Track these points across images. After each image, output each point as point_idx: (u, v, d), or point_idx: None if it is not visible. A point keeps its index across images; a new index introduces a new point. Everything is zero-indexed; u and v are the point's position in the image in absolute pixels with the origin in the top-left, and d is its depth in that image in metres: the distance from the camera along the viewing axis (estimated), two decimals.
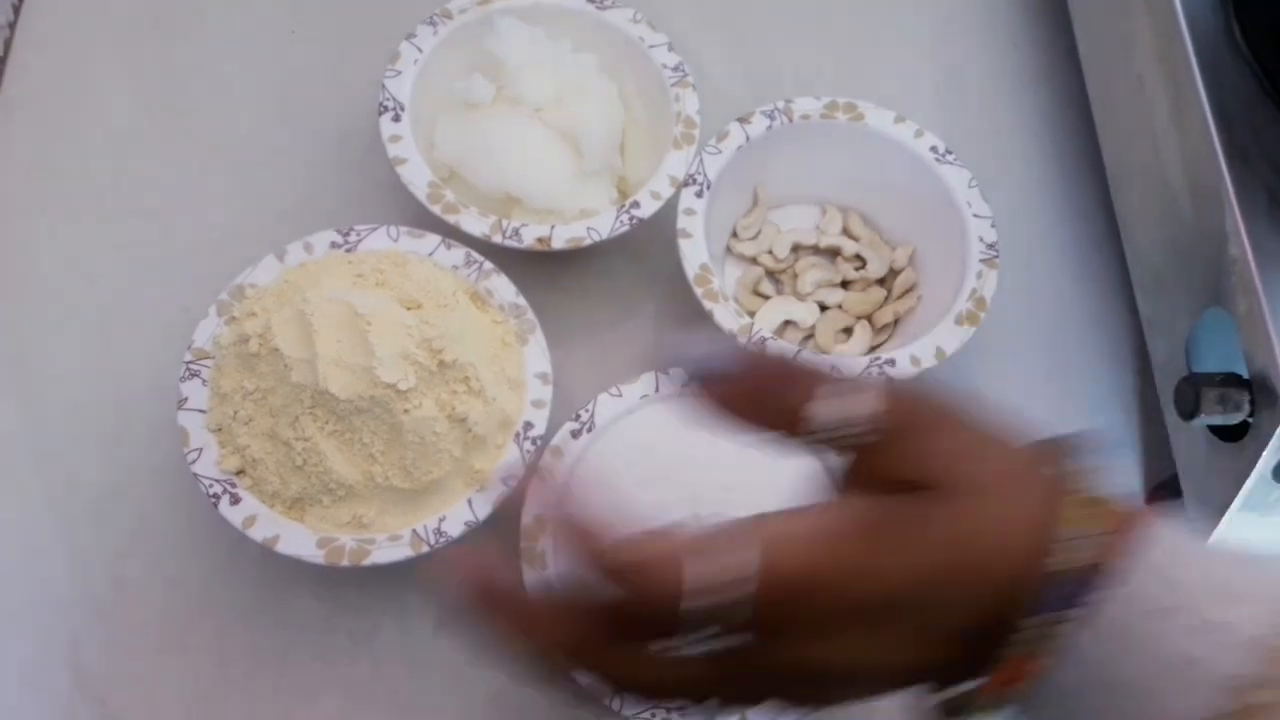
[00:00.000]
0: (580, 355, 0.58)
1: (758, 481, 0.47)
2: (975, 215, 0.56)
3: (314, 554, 0.46)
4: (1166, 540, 0.28)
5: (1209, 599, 0.27)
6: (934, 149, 0.57)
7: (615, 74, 0.60)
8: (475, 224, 0.53)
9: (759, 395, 0.32)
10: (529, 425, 0.49)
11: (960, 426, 0.32)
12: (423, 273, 0.50)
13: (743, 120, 0.58)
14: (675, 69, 0.58)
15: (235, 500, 0.47)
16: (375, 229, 0.52)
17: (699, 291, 0.53)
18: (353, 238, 0.52)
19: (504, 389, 0.49)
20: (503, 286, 0.52)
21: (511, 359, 0.50)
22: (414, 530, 0.46)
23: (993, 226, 0.55)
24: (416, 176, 0.54)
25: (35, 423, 0.54)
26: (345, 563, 0.46)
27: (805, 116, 0.58)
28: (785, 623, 0.29)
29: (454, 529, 0.47)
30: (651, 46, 0.59)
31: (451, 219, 0.53)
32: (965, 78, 0.69)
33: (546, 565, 0.47)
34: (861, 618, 0.29)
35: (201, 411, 0.48)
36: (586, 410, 0.50)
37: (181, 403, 0.48)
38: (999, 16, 0.71)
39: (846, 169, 0.60)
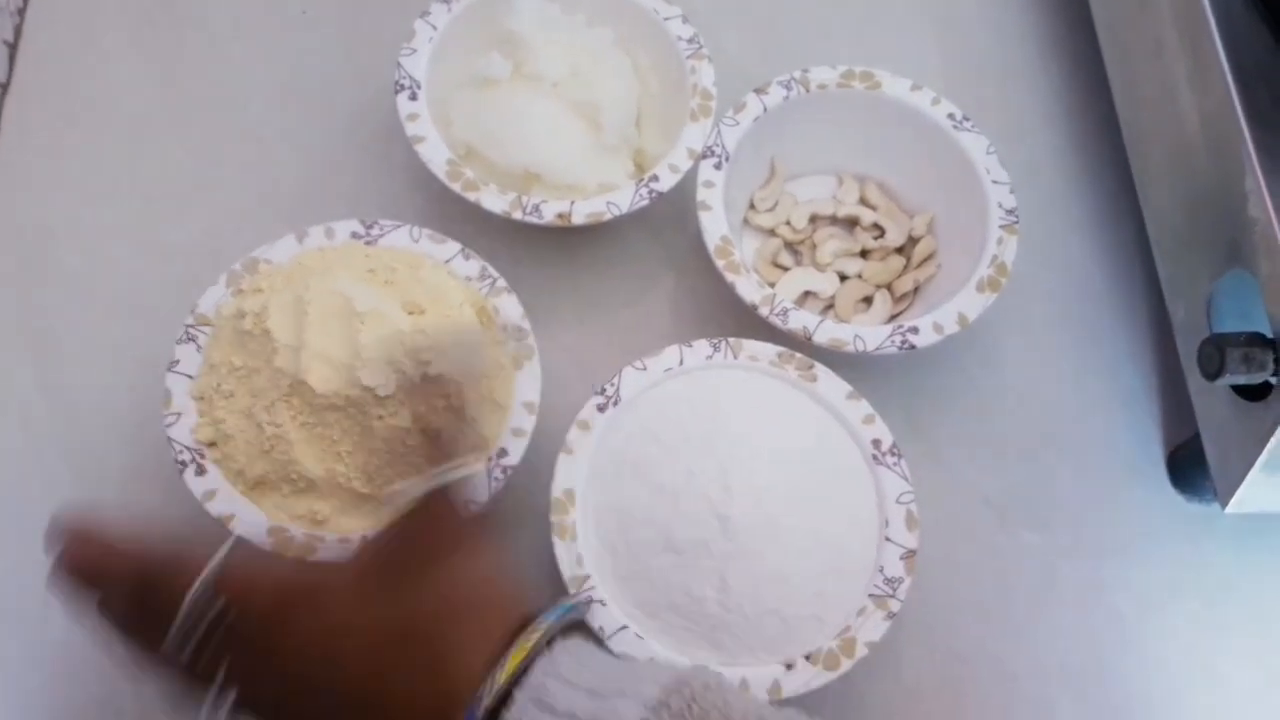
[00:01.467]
0: (601, 330, 0.58)
1: (786, 451, 0.48)
2: (994, 181, 0.56)
3: (263, 540, 0.46)
4: (544, 673, 0.34)
5: (596, 698, 0.33)
6: (951, 116, 0.57)
7: (630, 47, 0.60)
8: (495, 201, 0.53)
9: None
10: (503, 452, 0.48)
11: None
12: (435, 279, 0.50)
13: (759, 91, 0.57)
14: (690, 41, 0.58)
15: (201, 471, 0.47)
16: (399, 227, 0.52)
17: (720, 264, 0.53)
18: (375, 231, 0.52)
19: (486, 411, 0.48)
20: (510, 306, 0.51)
21: (503, 382, 0.49)
22: (364, 536, 0.45)
23: (1011, 192, 0.55)
24: (435, 155, 0.54)
25: (58, 406, 0.55)
26: (291, 555, 0.45)
27: (822, 86, 0.58)
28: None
29: None
30: (666, 19, 0.59)
31: (471, 196, 0.53)
32: (979, 44, 0.69)
33: (576, 537, 0.47)
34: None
35: (190, 377, 0.48)
36: (612, 384, 0.50)
37: (172, 364, 0.48)
38: None
39: (863, 138, 0.60)
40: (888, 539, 0.48)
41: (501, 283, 0.52)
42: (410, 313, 0.47)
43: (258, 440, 0.46)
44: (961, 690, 0.52)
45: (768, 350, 0.51)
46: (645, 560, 0.46)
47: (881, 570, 0.47)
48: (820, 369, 0.51)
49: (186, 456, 0.47)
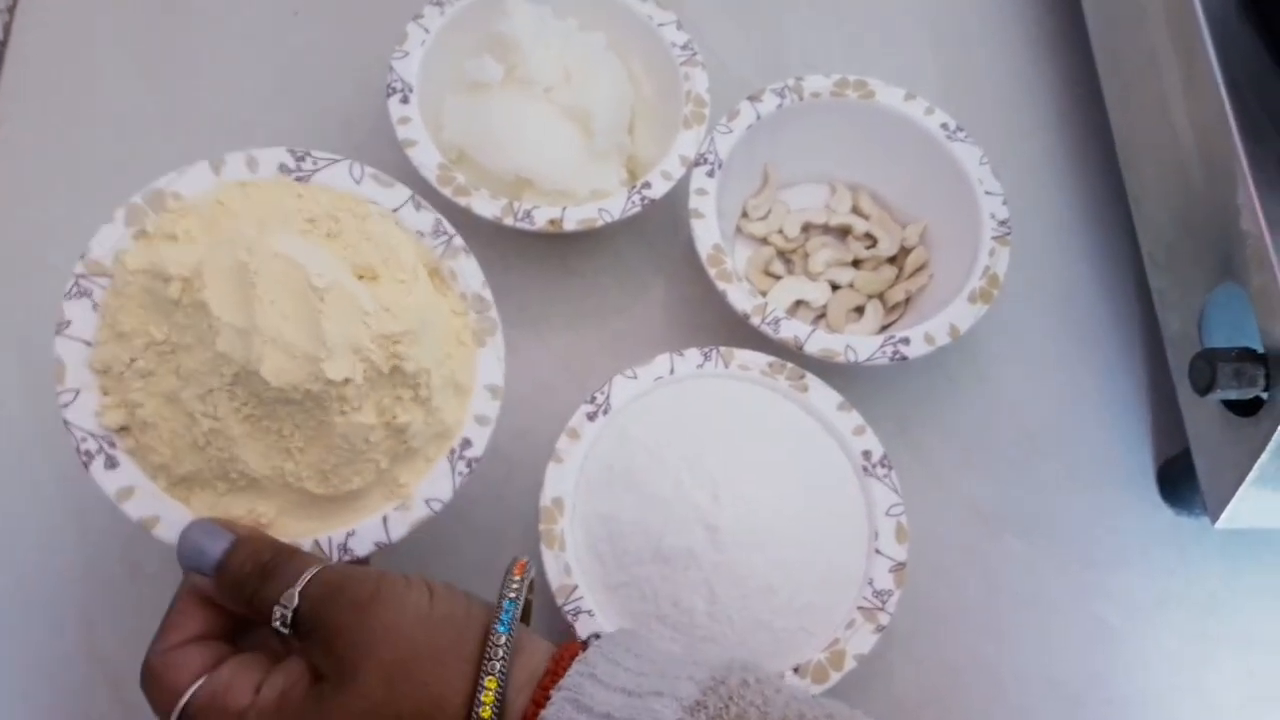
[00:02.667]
0: (591, 336, 0.58)
1: (776, 462, 0.48)
2: (987, 192, 0.56)
3: None
4: (580, 674, 0.34)
5: (633, 697, 0.34)
6: (944, 126, 0.57)
7: (623, 53, 0.60)
8: (487, 206, 0.53)
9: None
10: (466, 443, 0.43)
11: (382, 610, 0.35)
12: (383, 233, 0.42)
13: (753, 98, 0.57)
14: (684, 47, 0.58)
15: (112, 463, 0.39)
16: (336, 161, 0.44)
17: (712, 272, 0.53)
18: (307, 164, 0.43)
19: (449, 396, 0.42)
20: (470, 271, 0.44)
21: (464, 361, 0.43)
22: (316, 541, 0.41)
23: (1004, 203, 0.55)
24: (426, 158, 0.54)
25: (46, 410, 0.54)
26: None
27: (815, 94, 0.58)
28: None
29: (362, 547, 0.41)
30: (660, 25, 0.59)
31: (462, 201, 0.53)
32: (973, 54, 0.69)
33: (565, 546, 0.47)
34: None
35: (86, 344, 0.39)
36: (602, 393, 0.50)
37: (62, 326, 0.39)
38: None
39: (856, 147, 0.59)
40: (877, 551, 0.48)
41: (458, 241, 0.44)
42: (360, 277, 0.40)
43: (188, 432, 0.38)
44: (951, 701, 0.52)
45: (759, 360, 0.51)
46: (634, 570, 0.46)
47: (871, 583, 0.47)
48: (811, 379, 0.51)
49: (91, 445, 0.39)
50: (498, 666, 0.34)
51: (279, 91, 0.63)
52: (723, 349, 0.51)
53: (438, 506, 0.42)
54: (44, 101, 0.62)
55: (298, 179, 0.43)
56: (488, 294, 0.44)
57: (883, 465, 0.49)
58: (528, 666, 0.36)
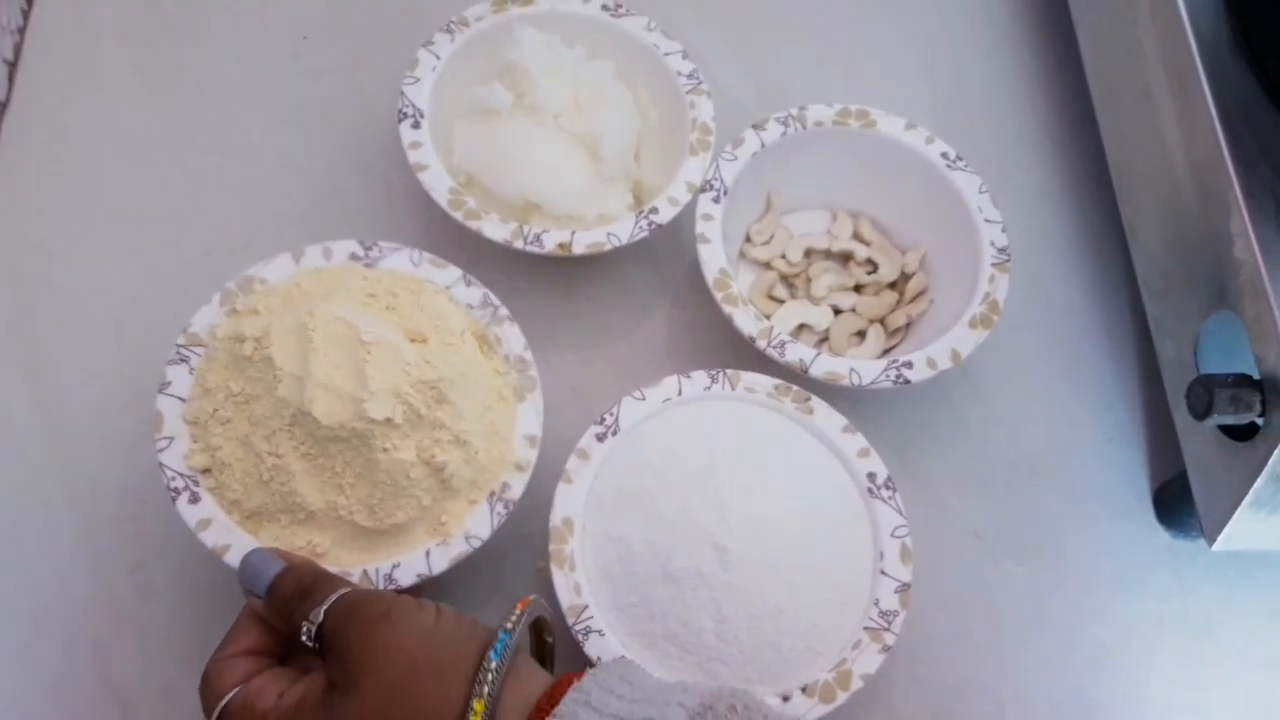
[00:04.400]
0: (598, 359, 0.59)
1: (783, 483, 0.48)
2: (986, 220, 0.57)
3: None
4: (575, 700, 0.36)
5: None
6: (944, 155, 0.58)
7: (630, 81, 0.61)
8: (497, 230, 0.54)
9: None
10: (505, 487, 0.47)
11: (389, 628, 0.38)
12: (436, 306, 0.49)
13: (757, 126, 0.58)
14: (690, 76, 0.59)
15: (195, 499, 0.45)
16: (399, 249, 0.51)
17: (718, 296, 0.54)
18: (374, 254, 0.51)
19: (489, 444, 0.47)
20: (513, 337, 0.50)
21: (505, 414, 0.49)
22: (364, 570, 0.45)
23: (1004, 231, 0.56)
24: (437, 183, 0.55)
25: (54, 429, 0.54)
26: None
27: (819, 123, 0.59)
28: None
29: (406, 578, 0.45)
30: (666, 54, 0.60)
31: (473, 225, 0.54)
32: (969, 85, 0.70)
33: (575, 566, 0.47)
34: None
35: (182, 400, 0.47)
36: (611, 414, 0.50)
37: (163, 386, 0.47)
38: (1001, 25, 0.73)
39: (858, 174, 0.61)
40: (882, 572, 0.48)
41: (503, 311, 0.51)
42: (412, 340, 0.46)
43: (256, 470, 0.45)
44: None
45: (765, 382, 0.52)
46: (643, 590, 0.46)
47: (876, 603, 0.48)
48: (817, 402, 0.51)
49: (180, 483, 0.45)
50: (486, 690, 0.36)
51: (289, 116, 0.64)
52: (729, 371, 0.52)
53: (476, 543, 0.47)
54: (53, 121, 0.63)
55: (365, 265, 0.51)
56: (529, 355, 0.50)
57: (887, 487, 0.50)
58: (522, 693, 0.37)
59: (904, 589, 0.48)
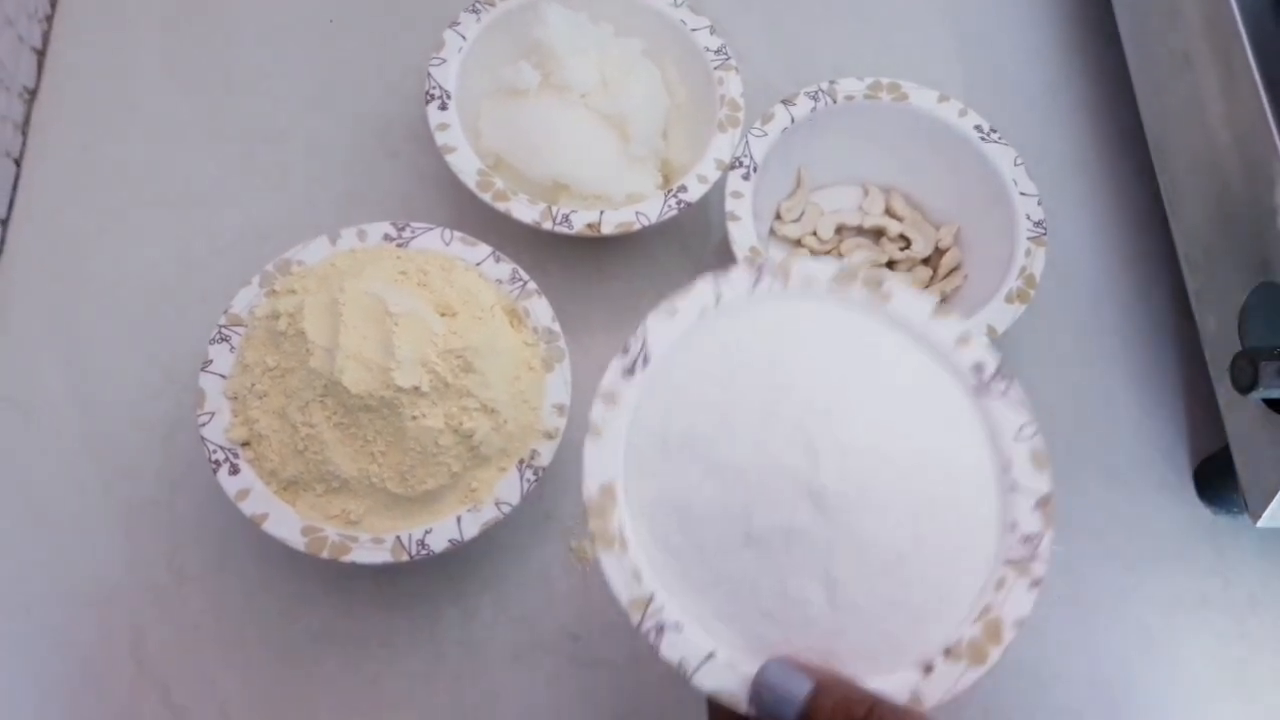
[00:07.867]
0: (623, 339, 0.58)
1: (872, 395, 0.37)
2: (1022, 193, 0.56)
3: (297, 540, 0.46)
4: None
5: None
6: (978, 128, 0.57)
7: (658, 58, 0.60)
8: (525, 211, 0.53)
9: None
10: (534, 454, 0.48)
11: None
12: (466, 281, 0.50)
13: (787, 102, 0.58)
14: (718, 52, 0.58)
15: (234, 470, 0.47)
16: (430, 229, 0.52)
17: None
18: (407, 234, 0.52)
19: (518, 412, 0.48)
20: (541, 309, 0.51)
21: (533, 384, 0.49)
22: (397, 537, 0.46)
23: (1040, 204, 0.56)
24: (466, 165, 0.54)
25: (91, 415, 0.55)
26: (325, 555, 0.45)
27: (849, 97, 0.58)
28: None
29: (438, 544, 0.46)
30: (694, 30, 0.59)
31: (501, 206, 0.53)
32: (1003, 56, 0.69)
33: (627, 546, 0.36)
34: None
35: (223, 377, 0.48)
36: (637, 339, 0.38)
37: (206, 364, 0.49)
38: None
39: (890, 149, 0.60)
40: (1013, 486, 0.37)
41: (532, 285, 0.52)
42: (442, 314, 0.47)
43: (291, 440, 0.46)
44: (992, 702, 0.52)
45: (824, 269, 0.39)
46: (721, 564, 0.35)
47: (1014, 527, 0.37)
48: (893, 284, 0.39)
49: (220, 456, 0.47)
50: None
51: (316, 99, 0.64)
52: (779, 260, 0.40)
53: (507, 509, 0.47)
54: (82, 109, 0.63)
55: (398, 245, 0.52)
56: (556, 327, 0.51)
57: (1000, 378, 0.38)
58: None
59: (1045, 502, 0.37)
